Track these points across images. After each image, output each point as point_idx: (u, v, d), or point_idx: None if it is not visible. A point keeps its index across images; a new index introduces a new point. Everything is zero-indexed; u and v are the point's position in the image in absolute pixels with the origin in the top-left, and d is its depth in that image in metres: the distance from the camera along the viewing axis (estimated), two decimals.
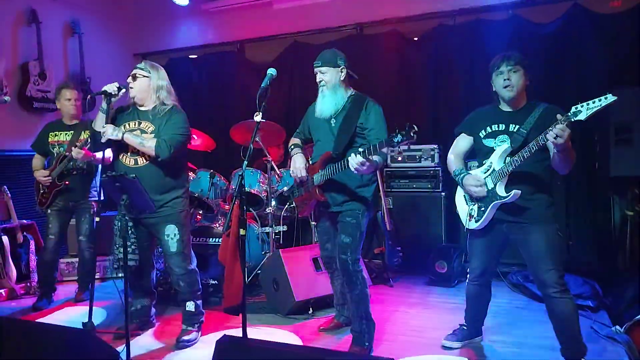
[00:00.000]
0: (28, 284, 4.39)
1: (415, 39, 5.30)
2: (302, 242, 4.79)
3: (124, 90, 3.09)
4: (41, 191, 4.02)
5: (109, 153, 3.52)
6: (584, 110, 2.23)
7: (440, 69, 5.16)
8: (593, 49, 4.48)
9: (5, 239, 4.28)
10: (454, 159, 2.89)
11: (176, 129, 3.09)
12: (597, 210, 4.42)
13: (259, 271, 4.13)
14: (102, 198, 4.04)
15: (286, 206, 4.47)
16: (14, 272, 4.31)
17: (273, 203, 4.40)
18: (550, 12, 4.71)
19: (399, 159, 4.87)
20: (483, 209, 2.67)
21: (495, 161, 2.61)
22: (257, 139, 4.03)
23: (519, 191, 2.52)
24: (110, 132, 3.01)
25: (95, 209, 4.05)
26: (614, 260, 4.19)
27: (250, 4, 5.82)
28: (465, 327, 3.10)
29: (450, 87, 5.12)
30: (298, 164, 3.10)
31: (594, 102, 2.20)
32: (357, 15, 5.43)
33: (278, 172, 4.48)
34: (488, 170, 2.65)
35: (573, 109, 2.26)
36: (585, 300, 3.56)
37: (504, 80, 2.59)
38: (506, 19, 4.82)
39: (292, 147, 3.26)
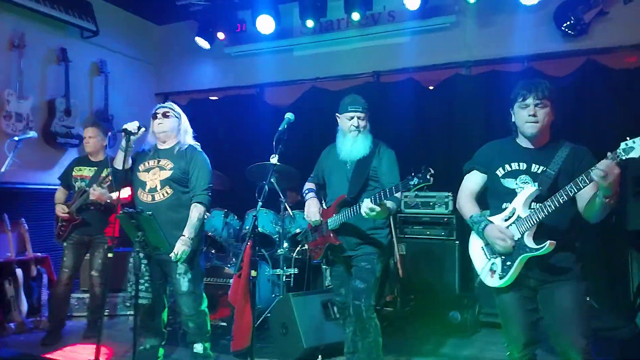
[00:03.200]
0: (38, 319, 4.38)
1: (431, 87, 5.39)
2: (312, 286, 4.74)
3: (144, 129, 3.17)
4: (59, 224, 4.07)
5: (126, 192, 3.62)
6: (636, 147, 1.86)
7: (455, 118, 5.22)
8: (607, 103, 4.52)
9: (19, 271, 4.31)
10: (467, 202, 2.48)
11: (204, 177, 3.20)
12: (614, 265, 4.33)
13: (269, 314, 4.08)
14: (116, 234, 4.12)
15: (298, 248, 4.46)
16: (25, 306, 4.32)
17: (285, 245, 4.40)
18: (565, 66, 4.78)
19: (412, 205, 4.86)
20: (509, 263, 2.23)
21: (520, 206, 2.22)
22: (272, 180, 4.07)
23: (554, 241, 2.11)
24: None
25: (107, 244, 4.08)
26: (632, 318, 4.06)
27: (270, 50, 6.01)
28: None
29: (465, 135, 5.16)
30: (312, 208, 3.13)
31: None
32: (375, 64, 5.56)
33: (291, 214, 4.49)
34: (511, 217, 2.25)
35: (623, 144, 1.90)
36: (604, 357, 3.44)
37: (529, 115, 2.24)
38: (521, 71, 4.90)
39: (307, 191, 3.31)
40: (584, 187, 2.05)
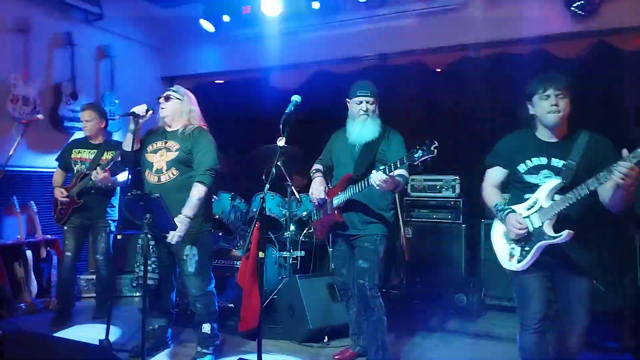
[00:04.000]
0: (48, 299, 4.44)
1: (439, 70, 5.33)
2: (319, 269, 4.77)
3: (151, 111, 3.18)
4: (59, 207, 4.08)
5: (124, 176, 3.80)
6: None
7: (463, 101, 5.18)
8: (618, 85, 4.46)
9: (29, 253, 4.37)
10: (491, 192, 2.63)
11: (208, 157, 3.16)
12: (621, 249, 4.31)
13: (275, 296, 4.11)
14: (118, 217, 4.15)
15: (305, 231, 4.48)
16: (34, 287, 4.38)
17: (292, 228, 4.41)
18: (575, 47, 4.70)
19: (419, 188, 4.85)
20: (527, 249, 2.39)
21: (543, 197, 2.36)
22: (279, 163, 4.06)
23: (572, 231, 2.26)
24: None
25: (110, 227, 4.11)
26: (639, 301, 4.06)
27: (276, 33, 5.95)
28: None
29: (473, 118, 5.12)
30: (318, 186, 3.19)
31: None
32: (382, 46, 5.50)
33: (298, 197, 4.50)
34: (533, 206, 2.40)
35: None
36: (610, 341, 3.45)
37: (552, 105, 2.34)
38: (530, 53, 4.83)
39: (314, 171, 3.34)
40: (605, 182, 2.16)
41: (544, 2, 4.80)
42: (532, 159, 2.44)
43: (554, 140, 2.43)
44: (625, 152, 2.08)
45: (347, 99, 3.19)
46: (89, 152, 4.12)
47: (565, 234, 2.27)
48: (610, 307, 4.03)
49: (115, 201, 4.23)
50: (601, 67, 4.53)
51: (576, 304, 2.41)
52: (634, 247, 4.17)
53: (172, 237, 3.00)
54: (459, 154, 5.15)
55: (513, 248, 2.47)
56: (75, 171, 4.09)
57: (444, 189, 4.78)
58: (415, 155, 2.50)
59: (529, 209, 2.41)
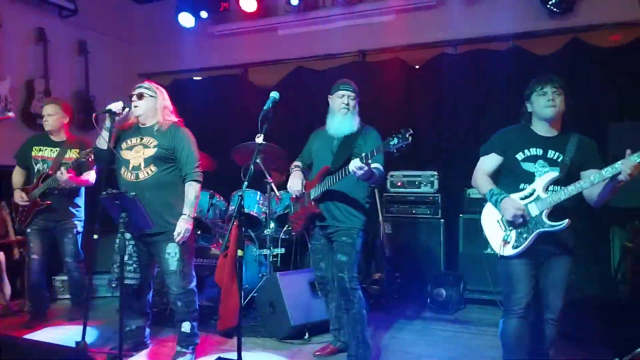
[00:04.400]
0: (22, 301, 4.34)
1: (417, 67, 5.37)
2: (300, 265, 4.76)
3: (128, 109, 3.12)
4: (20, 209, 3.88)
5: (91, 176, 3.79)
6: None
7: (441, 97, 5.22)
8: (593, 82, 4.54)
9: (1, 255, 4.25)
10: (483, 179, 2.73)
11: (193, 154, 3.17)
12: (597, 241, 4.40)
13: (256, 294, 4.09)
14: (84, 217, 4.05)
15: (285, 228, 4.46)
16: (8, 289, 4.27)
17: (272, 225, 4.39)
18: (551, 44, 4.79)
19: (399, 184, 4.88)
20: (525, 235, 2.52)
21: (540, 188, 2.51)
22: (258, 160, 4.04)
23: (570, 220, 2.45)
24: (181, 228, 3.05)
25: (77, 228, 3.98)
26: (615, 293, 4.16)
27: (255, 29, 5.92)
28: None
29: (451, 115, 5.17)
30: (296, 179, 3.23)
31: None
32: (361, 43, 5.52)
33: (277, 194, 4.48)
34: (530, 196, 2.54)
35: None
36: (586, 333, 3.52)
37: (548, 100, 2.54)
38: (507, 49, 4.90)
39: (293, 167, 3.39)
40: (608, 177, 2.33)
41: None
42: (530, 149, 2.60)
43: (549, 135, 2.61)
44: (628, 151, 2.27)
45: (329, 95, 3.25)
46: (51, 150, 3.92)
47: (565, 222, 2.44)
48: (585, 297, 4.14)
49: (80, 201, 4.05)
50: (576, 64, 4.61)
51: (553, 287, 2.58)
52: (608, 239, 4.27)
53: (178, 237, 3.02)
54: (437, 150, 5.20)
55: (508, 235, 2.58)
56: (36, 170, 3.88)
57: (422, 185, 4.81)
58: (391, 143, 2.57)
59: (524, 198, 2.55)
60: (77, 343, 2.98)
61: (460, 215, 4.61)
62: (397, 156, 2.63)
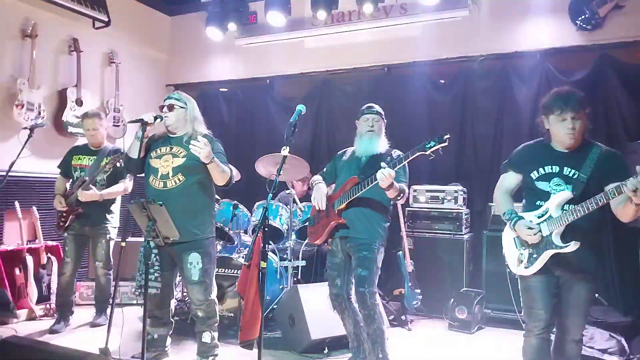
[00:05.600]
0: (48, 306, 4.42)
1: (442, 81, 5.35)
2: (320, 278, 4.75)
3: (159, 120, 3.17)
4: (59, 214, 4.07)
5: (121, 187, 3.93)
6: None
7: (466, 112, 5.18)
8: (622, 99, 4.46)
9: (29, 259, 4.35)
10: (502, 198, 2.70)
11: (224, 159, 3.21)
12: (623, 262, 4.29)
13: (276, 306, 4.09)
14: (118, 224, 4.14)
15: (306, 241, 4.46)
16: (35, 293, 4.36)
17: (293, 237, 4.40)
18: (579, 60, 4.73)
19: (422, 199, 4.84)
20: (535, 255, 2.48)
21: (554, 207, 2.44)
22: (282, 172, 4.06)
23: (579, 242, 2.35)
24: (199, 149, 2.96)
25: (110, 234, 4.12)
26: None
27: (281, 42, 5.99)
28: None
29: (476, 130, 5.12)
30: (320, 192, 3.26)
31: None
32: (386, 57, 5.52)
33: (300, 206, 4.50)
34: (544, 215, 2.47)
35: None
36: (611, 355, 3.42)
37: (568, 128, 2.44)
38: (534, 65, 4.85)
39: (315, 180, 3.42)
40: (613, 198, 2.23)
41: (549, 15, 4.83)
42: (545, 167, 2.53)
43: (567, 150, 2.53)
44: (638, 168, 2.12)
45: (355, 119, 3.34)
46: (89, 158, 4.11)
47: (571, 244, 2.35)
48: (611, 318, 4.01)
49: (115, 208, 4.21)
50: (605, 80, 4.53)
51: (573, 310, 2.50)
52: (636, 259, 4.14)
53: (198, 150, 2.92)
54: (461, 165, 5.15)
55: (521, 254, 2.55)
56: (75, 178, 4.08)
57: (446, 200, 4.76)
58: (427, 146, 2.67)
59: (540, 216, 2.49)
60: (100, 350, 3.01)
61: (484, 232, 4.54)
62: (431, 158, 2.72)
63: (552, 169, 2.52)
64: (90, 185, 3.92)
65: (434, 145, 2.64)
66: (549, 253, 2.42)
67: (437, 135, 2.66)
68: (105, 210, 4.11)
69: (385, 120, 3.30)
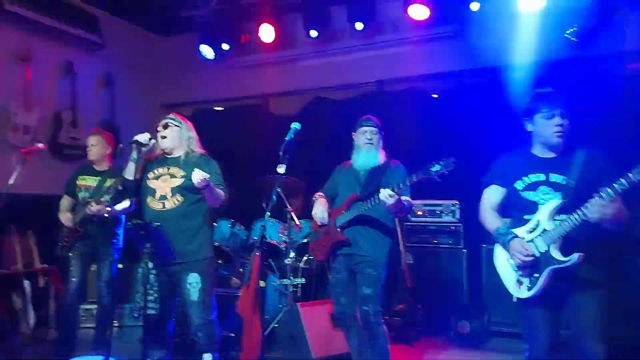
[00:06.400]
0: (46, 330, 4.36)
1: (435, 95, 5.40)
2: (320, 296, 4.72)
3: (155, 140, 3.17)
4: (63, 235, 4.01)
5: (125, 205, 3.71)
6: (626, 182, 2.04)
7: (460, 126, 5.21)
8: (611, 109, 4.49)
9: (26, 283, 4.31)
10: (490, 215, 2.53)
11: (220, 179, 3.20)
12: (628, 273, 4.27)
13: (276, 325, 4.06)
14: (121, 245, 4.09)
15: (305, 257, 4.45)
16: (33, 318, 4.30)
17: (292, 254, 4.38)
18: (569, 73, 4.78)
19: (419, 213, 4.85)
20: (537, 275, 2.28)
21: (545, 219, 2.28)
22: (279, 190, 4.06)
23: (582, 254, 2.17)
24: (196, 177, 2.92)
25: (113, 255, 4.02)
26: None
27: (274, 60, 6.04)
28: None
29: (471, 143, 5.14)
30: (320, 208, 3.26)
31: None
32: (378, 73, 5.58)
33: (297, 223, 4.49)
34: (535, 229, 2.31)
35: (617, 184, 2.06)
36: None
37: (556, 126, 2.33)
38: (525, 78, 4.89)
39: (317, 196, 3.42)
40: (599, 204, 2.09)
41: (539, 29, 4.89)
42: (529, 176, 2.39)
43: (551, 156, 2.41)
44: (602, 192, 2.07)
45: (353, 133, 3.34)
46: (94, 179, 4.05)
47: (575, 257, 2.18)
48: (616, 331, 3.97)
49: (120, 229, 4.13)
50: (594, 92, 4.58)
51: (585, 328, 2.29)
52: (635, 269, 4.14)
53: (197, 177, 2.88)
54: (457, 179, 5.15)
55: (521, 275, 2.37)
56: (80, 198, 4.01)
57: (443, 214, 4.78)
58: (432, 169, 2.59)
59: (531, 231, 2.32)
60: None
61: (483, 245, 4.54)
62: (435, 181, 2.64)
63: (537, 177, 2.37)
64: (101, 200, 3.81)
65: (440, 169, 2.58)
66: (551, 270, 2.24)
67: (442, 159, 2.58)
68: (109, 232, 4.03)
69: (382, 133, 3.30)
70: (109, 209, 3.82)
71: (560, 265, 2.21)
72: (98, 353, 3.78)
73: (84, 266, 4.03)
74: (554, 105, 2.34)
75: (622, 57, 4.57)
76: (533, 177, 2.38)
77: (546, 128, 2.36)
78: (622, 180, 2.06)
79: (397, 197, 2.72)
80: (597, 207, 2.08)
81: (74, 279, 3.96)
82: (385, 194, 2.71)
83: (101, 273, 4.03)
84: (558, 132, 2.33)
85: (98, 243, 4.01)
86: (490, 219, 2.52)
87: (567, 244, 2.24)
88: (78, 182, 4.06)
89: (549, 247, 2.25)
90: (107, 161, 4.14)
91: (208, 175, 2.93)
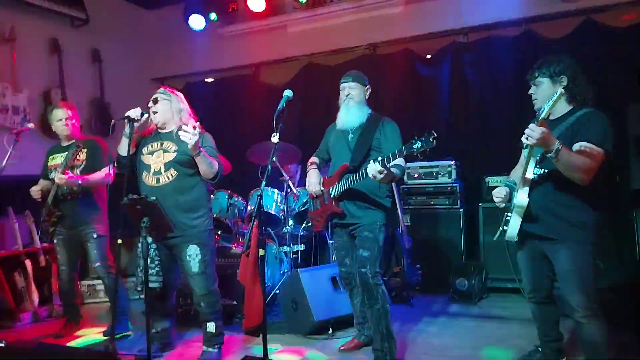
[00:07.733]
0: (51, 307, 4.43)
1: (428, 56, 5.34)
2: (320, 261, 4.78)
3: (146, 115, 3.14)
4: (42, 220, 3.80)
5: (99, 175, 3.59)
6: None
7: (453, 86, 5.18)
8: (607, 64, 4.46)
9: (28, 262, 4.35)
10: (514, 170, 2.78)
11: (215, 153, 3.18)
12: (618, 225, 4.33)
13: (278, 291, 4.12)
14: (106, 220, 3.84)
15: (303, 225, 4.48)
16: (36, 296, 4.37)
17: (290, 222, 4.41)
18: (562, 26, 4.71)
19: (416, 175, 4.86)
20: (508, 217, 2.50)
21: (525, 169, 2.44)
22: (274, 159, 4.06)
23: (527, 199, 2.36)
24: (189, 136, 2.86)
25: (98, 232, 3.73)
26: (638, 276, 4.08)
27: (264, 28, 5.93)
28: (539, 349, 2.83)
29: (464, 103, 5.13)
30: (313, 179, 3.22)
31: None
32: (370, 36, 5.50)
33: (295, 191, 4.50)
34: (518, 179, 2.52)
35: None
36: (613, 318, 3.44)
37: (531, 94, 2.55)
38: (518, 35, 4.84)
39: (309, 164, 3.37)
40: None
41: None
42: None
43: (553, 117, 2.49)
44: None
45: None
46: (61, 156, 3.74)
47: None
48: (609, 281, 4.06)
49: (96, 204, 3.80)
50: (589, 45, 4.53)
51: (564, 281, 2.44)
52: (630, 221, 4.19)
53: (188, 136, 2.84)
54: (453, 139, 5.16)
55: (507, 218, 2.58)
56: (51, 179, 3.72)
57: (440, 175, 4.79)
58: (414, 147, 2.52)
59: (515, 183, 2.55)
60: (105, 346, 3.03)
61: (480, 204, 4.58)
62: (420, 159, 2.59)
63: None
64: (66, 170, 3.55)
65: (422, 147, 2.49)
66: (513, 211, 2.45)
67: (423, 135, 2.49)
68: (85, 208, 3.73)
69: (367, 86, 3.17)
70: (79, 180, 3.57)
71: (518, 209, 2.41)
72: (119, 329, 3.71)
73: (70, 251, 3.81)
74: (529, 73, 2.56)
75: (616, 9, 4.49)
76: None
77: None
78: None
79: (385, 172, 2.64)
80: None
81: (63, 268, 3.82)
82: (373, 171, 2.65)
83: (90, 254, 3.75)
84: (534, 99, 2.57)
85: (77, 222, 3.73)
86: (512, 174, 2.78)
87: (548, 191, 2.43)
88: (49, 164, 3.84)
89: (517, 192, 2.45)
90: (73, 134, 3.83)
91: (197, 126, 2.90)
